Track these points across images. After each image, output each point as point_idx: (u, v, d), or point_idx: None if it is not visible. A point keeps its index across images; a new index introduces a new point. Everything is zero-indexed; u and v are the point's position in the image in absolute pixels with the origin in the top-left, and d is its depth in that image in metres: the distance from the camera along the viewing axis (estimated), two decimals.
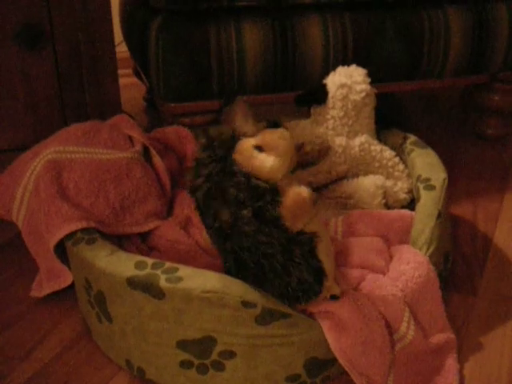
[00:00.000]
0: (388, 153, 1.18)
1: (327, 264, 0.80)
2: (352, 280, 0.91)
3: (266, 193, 0.79)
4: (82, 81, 1.20)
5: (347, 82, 1.14)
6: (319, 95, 1.16)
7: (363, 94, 1.15)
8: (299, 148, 1.17)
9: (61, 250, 0.95)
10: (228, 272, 0.83)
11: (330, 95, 1.15)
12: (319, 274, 0.79)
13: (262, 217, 0.78)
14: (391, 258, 0.97)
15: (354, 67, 1.18)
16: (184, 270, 0.81)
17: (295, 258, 0.77)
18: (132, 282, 0.80)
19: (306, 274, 0.77)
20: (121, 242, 1.01)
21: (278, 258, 0.77)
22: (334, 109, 1.15)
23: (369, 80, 1.16)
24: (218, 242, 0.83)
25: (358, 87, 1.14)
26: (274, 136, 0.87)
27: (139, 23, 1.39)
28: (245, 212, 0.78)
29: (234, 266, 0.81)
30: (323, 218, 1.09)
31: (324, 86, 1.16)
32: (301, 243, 0.78)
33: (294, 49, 1.29)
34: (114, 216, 0.99)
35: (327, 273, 0.79)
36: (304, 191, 0.80)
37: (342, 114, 1.15)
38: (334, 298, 0.81)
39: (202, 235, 1.05)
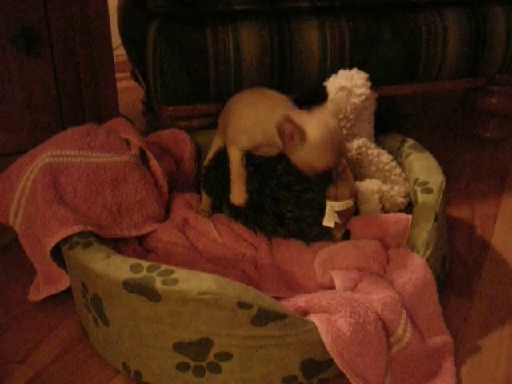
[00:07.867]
0: (385, 157, 1.18)
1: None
2: (349, 282, 0.91)
3: None
4: (80, 84, 1.21)
5: (347, 84, 1.14)
6: (319, 97, 1.16)
7: (363, 98, 1.15)
8: None
9: (58, 253, 0.95)
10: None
11: (330, 97, 1.15)
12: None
13: None
14: (388, 260, 0.97)
15: (355, 70, 1.18)
16: (179, 272, 0.81)
17: None
18: (128, 285, 0.80)
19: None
20: (117, 245, 1.01)
21: None
22: None
23: (369, 84, 1.16)
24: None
25: (358, 91, 1.15)
26: None
27: (137, 27, 1.39)
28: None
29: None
30: None
31: (324, 88, 1.17)
32: None
33: (291, 52, 1.29)
34: (112, 219, 0.99)
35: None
36: None
37: (340, 116, 1.15)
38: None
39: (198, 238, 1.05)
